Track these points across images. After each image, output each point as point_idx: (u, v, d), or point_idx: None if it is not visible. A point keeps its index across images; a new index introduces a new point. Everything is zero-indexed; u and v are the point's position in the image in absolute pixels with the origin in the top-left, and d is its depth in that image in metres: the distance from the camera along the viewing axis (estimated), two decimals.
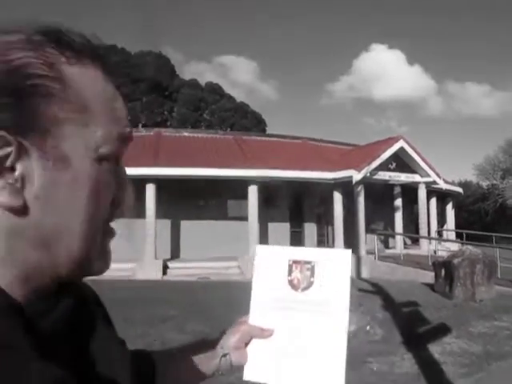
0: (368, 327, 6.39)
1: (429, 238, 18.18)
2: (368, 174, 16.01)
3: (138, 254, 14.65)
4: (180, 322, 6.26)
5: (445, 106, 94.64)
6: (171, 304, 7.32)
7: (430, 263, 13.38)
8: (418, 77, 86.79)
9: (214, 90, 62.83)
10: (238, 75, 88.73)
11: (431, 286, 10.46)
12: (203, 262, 15.11)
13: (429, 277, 12.53)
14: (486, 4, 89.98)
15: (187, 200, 16.86)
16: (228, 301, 8.09)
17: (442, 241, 19.68)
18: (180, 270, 14.65)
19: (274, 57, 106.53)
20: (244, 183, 15.60)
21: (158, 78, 55.85)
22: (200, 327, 6.11)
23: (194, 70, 76.72)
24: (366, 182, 16.31)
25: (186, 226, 16.80)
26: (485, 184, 42.85)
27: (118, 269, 14.36)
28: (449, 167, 79.10)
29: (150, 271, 13.93)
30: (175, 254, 16.49)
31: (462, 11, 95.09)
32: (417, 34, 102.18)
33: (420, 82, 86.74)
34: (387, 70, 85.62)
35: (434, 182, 18.18)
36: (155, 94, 55.91)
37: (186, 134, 18.56)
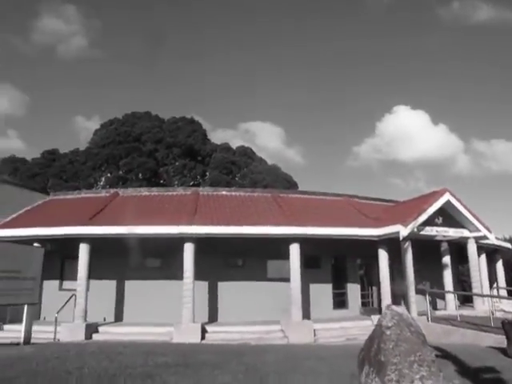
0: None
1: (496, 296, 16.88)
2: (415, 230, 15.18)
3: (174, 318, 13.98)
4: None
5: (473, 163, 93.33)
6: (220, 369, 6.57)
7: (492, 324, 12.29)
8: (443, 136, 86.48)
9: (246, 153, 63.71)
10: (264, 141, 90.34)
11: (501, 350, 9.41)
12: (243, 325, 14.29)
13: (491, 339, 11.42)
14: (507, 63, 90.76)
15: (225, 260, 16.30)
16: (279, 365, 7.32)
17: (506, 299, 18.08)
18: (219, 335, 13.83)
19: (299, 121, 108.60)
20: (284, 241, 14.96)
21: (190, 142, 57.27)
22: None
23: (222, 137, 78.30)
24: (413, 239, 15.45)
25: (223, 287, 16.12)
26: None
27: (155, 333, 13.74)
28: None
29: (187, 335, 13.17)
30: (213, 317, 15.70)
31: (483, 71, 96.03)
32: (440, 94, 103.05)
33: (446, 141, 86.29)
34: (411, 131, 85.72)
35: (485, 237, 17.14)
36: (188, 158, 57.03)
37: (223, 192, 18.31)
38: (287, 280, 14.93)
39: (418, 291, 15.85)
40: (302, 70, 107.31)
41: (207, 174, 57.88)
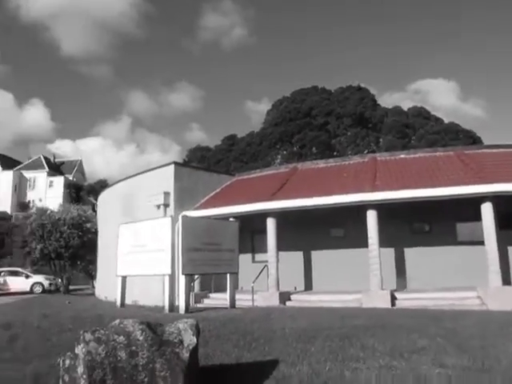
0: None
1: None
2: None
3: (361, 285, 14.04)
4: (435, 354, 5.35)
5: None
6: (417, 333, 6.44)
7: None
8: None
9: (420, 113, 60.04)
10: (437, 98, 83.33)
11: None
12: (434, 292, 13.67)
13: None
14: None
15: (410, 226, 15.73)
16: (480, 331, 6.86)
17: None
18: (409, 302, 13.45)
19: (474, 72, 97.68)
20: (475, 201, 13.74)
21: (360, 110, 56.20)
22: (460, 361, 5.12)
23: (390, 102, 74.50)
24: None
25: (409, 254, 15.59)
26: None
27: (343, 300, 13.99)
28: None
29: (377, 301, 13.11)
30: (401, 285, 15.35)
31: None
32: None
33: None
34: None
35: None
36: (359, 126, 56.13)
37: (402, 155, 17.57)
38: (480, 243, 13.75)
39: None
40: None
41: (380, 140, 56.26)
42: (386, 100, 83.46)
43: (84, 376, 3.85)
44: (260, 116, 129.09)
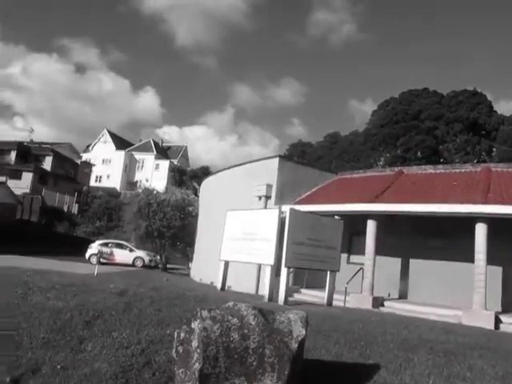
0: None
1: None
2: None
3: (462, 302, 13.33)
4: None
5: None
6: None
7: None
8: None
9: None
10: None
11: None
12: None
13: None
14: None
15: None
16: None
17: None
18: None
19: None
20: None
21: (473, 116, 52.70)
22: None
23: (507, 109, 68.83)
24: None
25: None
26: None
27: (440, 314, 13.34)
28: None
29: (478, 322, 12.32)
30: (507, 307, 14.30)
31: None
32: None
33: None
34: None
35: None
36: (470, 133, 52.71)
37: None
38: None
39: None
40: None
41: (494, 149, 52.39)
42: (503, 107, 77.34)
43: (198, 350, 4.08)
44: (363, 116, 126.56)
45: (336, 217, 14.02)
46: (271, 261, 11.99)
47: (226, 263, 14.23)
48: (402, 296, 16.21)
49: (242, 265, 14.34)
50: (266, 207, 17.12)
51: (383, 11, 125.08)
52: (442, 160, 50.07)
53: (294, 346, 4.20)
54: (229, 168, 22.25)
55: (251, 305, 4.30)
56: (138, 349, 5.06)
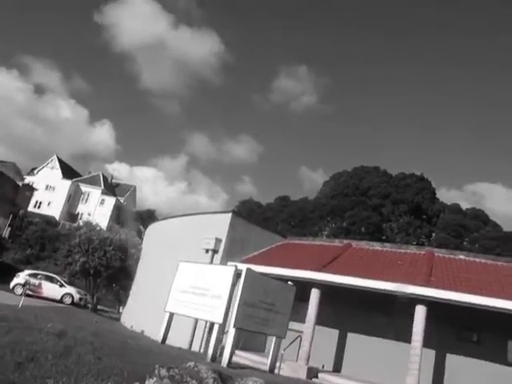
0: None
1: None
2: None
3: (395, 381, 13.33)
4: None
5: None
6: None
7: None
8: None
9: (477, 216, 58.41)
10: (495, 204, 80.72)
11: None
12: None
13: None
14: None
15: (457, 333, 14.93)
16: None
17: None
18: None
19: None
20: None
21: (418, 200, 55.40)
22: None
23: (446, 198, 73.26)
24: None
25: (453, 362, 14.66)
26: None
27: None
28: None
29: None
30: None
31: None
32: None
33: None
34: None
35: None
36: (413, 216, 55.15)
37: (461, 256, 16.95)
38: None
39: None
40: None
41: (433, 234, 54.83)
42: (443, 195, 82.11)
43: None
44: (311, 183, 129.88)
45: (289, 282, 13.87)
46: (220, 319, 11.47)
47: (171, 315, 13.50)
48: (336, 368, 16.05)
49: (179, 318, 13.71)
50: (211, 261, 16.80)
51: (345, 86, 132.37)
52: (383, 238, 51.71)
53: None
54: (178, 216, 21.92)
55: (211, 367, 4.07)
56: None
